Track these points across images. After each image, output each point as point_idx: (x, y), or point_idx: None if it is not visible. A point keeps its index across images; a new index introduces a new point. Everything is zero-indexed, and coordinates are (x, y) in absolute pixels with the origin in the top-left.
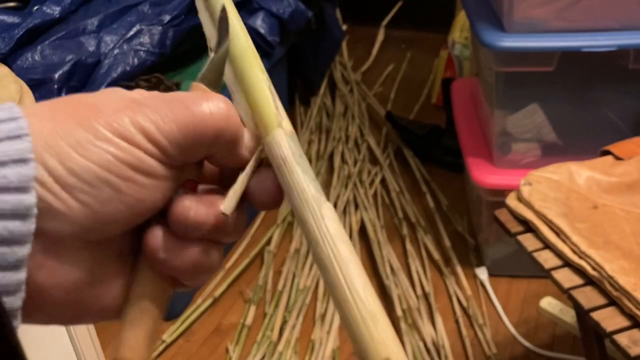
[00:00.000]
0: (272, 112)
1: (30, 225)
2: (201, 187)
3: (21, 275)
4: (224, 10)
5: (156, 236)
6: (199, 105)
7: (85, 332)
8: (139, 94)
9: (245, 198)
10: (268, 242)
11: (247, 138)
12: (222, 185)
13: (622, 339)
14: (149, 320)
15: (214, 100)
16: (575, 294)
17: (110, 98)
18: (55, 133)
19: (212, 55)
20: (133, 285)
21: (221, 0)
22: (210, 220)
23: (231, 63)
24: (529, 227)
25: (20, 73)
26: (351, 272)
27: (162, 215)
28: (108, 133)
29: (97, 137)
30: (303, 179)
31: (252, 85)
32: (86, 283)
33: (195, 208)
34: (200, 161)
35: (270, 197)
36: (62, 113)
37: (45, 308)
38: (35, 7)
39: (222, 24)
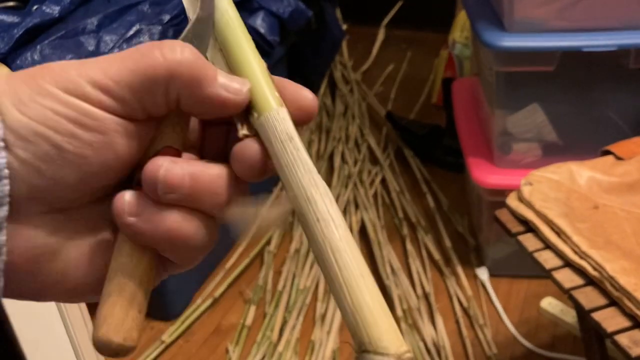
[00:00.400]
0: (275, 93)
1: (3, 187)
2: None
3: (2, 237)
4: None
5: (122, 197)
6: (150, 48)
7: (84, 331)
8: None
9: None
10: (268, 242)
11: (223, 78)
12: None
13: (623, 339)
14: (127, 295)
15: (166, 43)
16: (576, 294)
17: (66, 62)
18: (2, 93)
19: (195, 15)
20: (111, 260)
21: None
22: (185, 182)
23: (224, 45)
24: (529, 227)
25: None
26: (357, 256)
27: (130, 181)
28: (51, 87)
29: (39, 92)
30: (309, 158)
31: (249, 64)
32: (52, 253)
33: (167, 166)
34: (182, 128)
35: (255, 165)
36: (17, 75)
37: (8, 277)
38: (35, 7)
39: None
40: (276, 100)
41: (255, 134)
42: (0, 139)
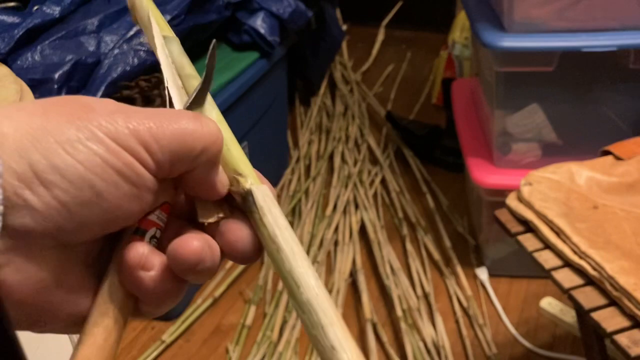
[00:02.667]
0: (252, 170)
1: None
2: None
3: None
4: (214, 46)
5: (140, 253)
6: (193, 118)
7: None
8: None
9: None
10: None
11: (221, 172)
12: (186, 220)
13: (623, 339)
14: (114, 336)
15: (204, 118)
16: (576, 294)
17: (104, 101)
18: (44, 129)
19: (197, 85)
20: (97, 298)
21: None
22: (207, 263)
23: None
24: (529, 227)
25: (20, 73)
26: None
27: (136, 232)
28: (100, 133)
29: (88, 136)
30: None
31: (231, 140)
32: (50, 286)
33: (210, 247)
34: (176, 187)
35: (250, 247)
36: (55, 110)
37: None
38: (35, 7)
39: (212, 58)
40: (256, 178)
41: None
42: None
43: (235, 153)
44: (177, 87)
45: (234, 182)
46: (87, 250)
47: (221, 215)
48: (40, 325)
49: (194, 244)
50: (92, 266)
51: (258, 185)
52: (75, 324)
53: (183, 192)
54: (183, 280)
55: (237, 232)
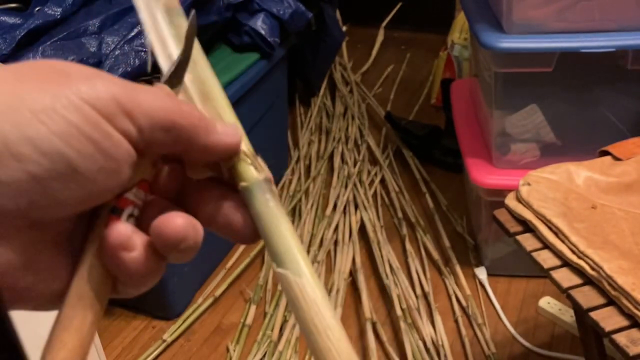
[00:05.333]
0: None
1: None
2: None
3: None
4: (194, 15)
5: (122, 233)
6: (170, 95)
7: None
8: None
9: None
10: None
11: (220, 124)
12: (171, 201)
13: (621, 338)
14: (91, 319)
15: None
16: (574, 293)
17: (80, 66)
18: (17, 96)
19: (175, 59)
20: (75, 278)
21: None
22: (191, 240)
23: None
24: (528, 227)
25: None
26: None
27: (113, 211)
28: (77, 100)
29: (65, 104)
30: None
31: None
32: (19, 268)
33: (193, 227)
34: (155, 164)
35: (246, 227)
36: (28, 76)
37: None
38: (37, 8)
39: (191, 29)
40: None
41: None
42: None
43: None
44: (165, 54)
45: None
46: (59, 229)
47: (210, 173)
48: (11, 306)
49: (178, 221)
50: (63, 246)
51: (255, 180)
52: (47, 303)
53: (165, 171)
54: (164, 258)
55: (234, 210)
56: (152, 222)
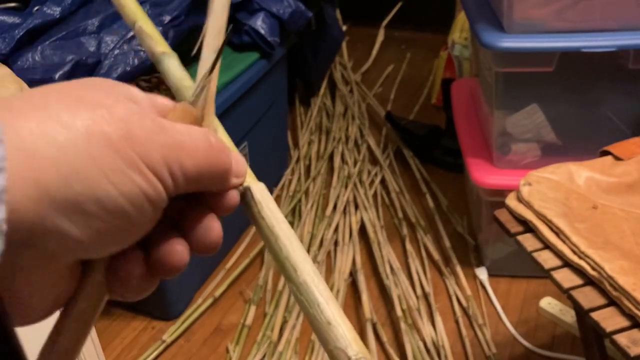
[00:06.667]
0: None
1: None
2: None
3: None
4: (229, 34)
5: (138, 265)
6: (219, 147)
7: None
8: (150, 100)
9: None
10: None
11: (234, 164)
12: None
13: (622, 339)
14: (87, 333)
15: (218, 139)
16: (575, 294)
17: (141, 115)
18: (87, 154)
19: (202, 77)
20: (77, 297)
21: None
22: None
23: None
24: (528, 227)
25: (20, 73)
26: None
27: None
28: (139, 161)
29: (129, 165)
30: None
31: (227, 141)
32: (7, 277)
33: (182, 252)
34: None
35: (214, 240)
36: (97, 133)
37: None
38: (36, 8)
39: (223, 47)
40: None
41: None
42: (79, 208)
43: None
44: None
45: None
46: None
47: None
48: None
49: (179, 248)
50: (73, 268)
51: (255, 182)
52: (31, 319)
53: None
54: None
55: (208, 222)
56: (154, 247)
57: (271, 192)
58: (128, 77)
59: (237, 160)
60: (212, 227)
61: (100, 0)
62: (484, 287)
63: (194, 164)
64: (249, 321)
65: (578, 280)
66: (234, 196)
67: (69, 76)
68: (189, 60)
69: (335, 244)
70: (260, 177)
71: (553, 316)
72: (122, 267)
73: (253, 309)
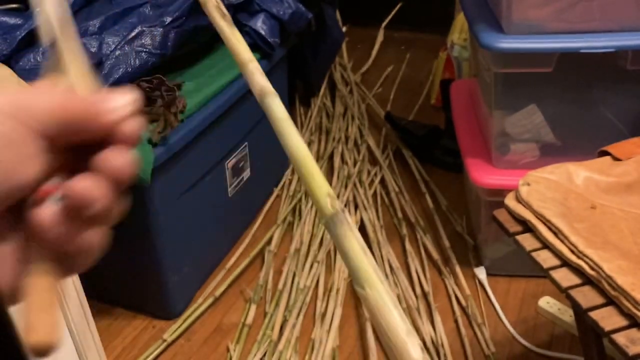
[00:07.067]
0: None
1: None
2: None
3: None
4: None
5: (46, 214)
6: (65, 96)
7: (87, 331)
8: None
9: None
10: (268, 242)
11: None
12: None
13: (620, 338)
14: (52, 301)
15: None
16: (574, 293)
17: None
18: None
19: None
20: (31, 269)
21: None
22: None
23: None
24: (527, 227)
25: (22, 74)
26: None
27: (38, 202)
28: None
29: None
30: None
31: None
32: None
33: (91, 184)
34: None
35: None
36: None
37: None
38: (37, 9)
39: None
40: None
41: None
42: None
43: None
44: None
45: None
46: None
47: None
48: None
49: (87, 181)
50: (7, 238)
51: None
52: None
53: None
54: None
55: (110, 152)
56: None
57: (271, 192)
58: (129, 78)
59: (104, 100)
60: (116, 156)
61: (102, 2)
62: (483, 286)
63: (43, 110)
64: (249, 320)
65: (577, 280)
66: (128, 125)
67: None
68: (191, 60)
69: None
70: (260, 177)
71: (552, 315)
72: (33, 217)
73: (253, 308)
